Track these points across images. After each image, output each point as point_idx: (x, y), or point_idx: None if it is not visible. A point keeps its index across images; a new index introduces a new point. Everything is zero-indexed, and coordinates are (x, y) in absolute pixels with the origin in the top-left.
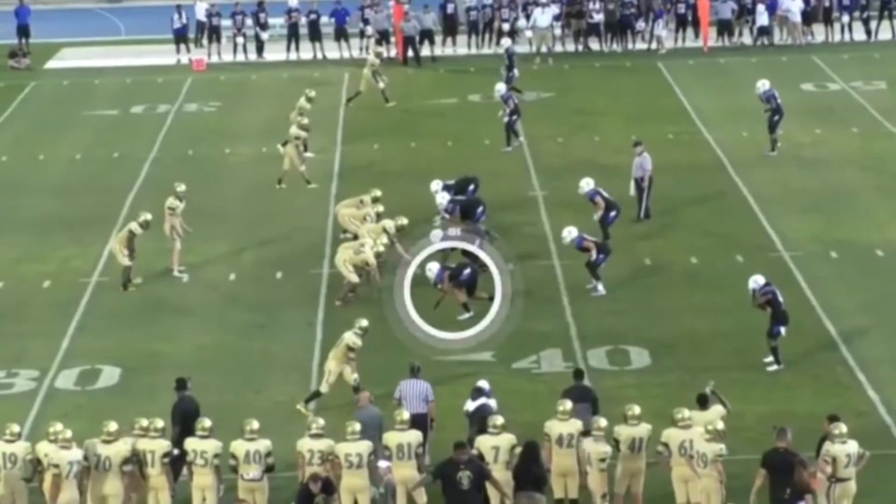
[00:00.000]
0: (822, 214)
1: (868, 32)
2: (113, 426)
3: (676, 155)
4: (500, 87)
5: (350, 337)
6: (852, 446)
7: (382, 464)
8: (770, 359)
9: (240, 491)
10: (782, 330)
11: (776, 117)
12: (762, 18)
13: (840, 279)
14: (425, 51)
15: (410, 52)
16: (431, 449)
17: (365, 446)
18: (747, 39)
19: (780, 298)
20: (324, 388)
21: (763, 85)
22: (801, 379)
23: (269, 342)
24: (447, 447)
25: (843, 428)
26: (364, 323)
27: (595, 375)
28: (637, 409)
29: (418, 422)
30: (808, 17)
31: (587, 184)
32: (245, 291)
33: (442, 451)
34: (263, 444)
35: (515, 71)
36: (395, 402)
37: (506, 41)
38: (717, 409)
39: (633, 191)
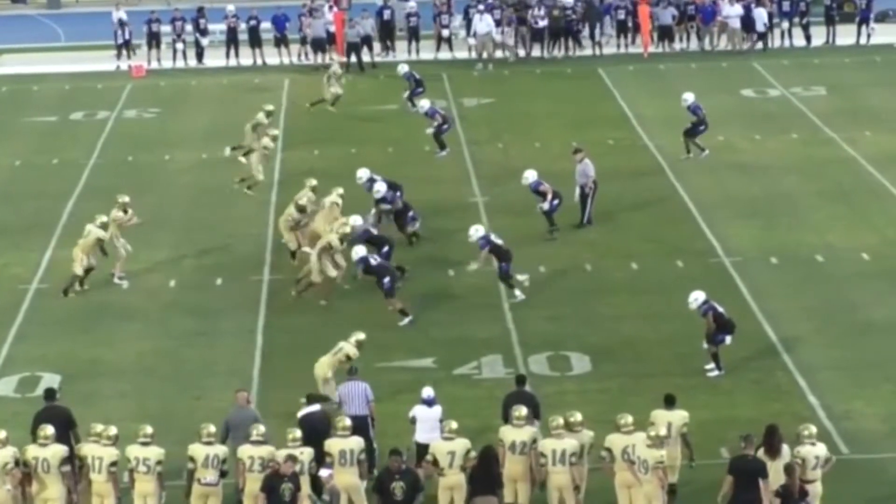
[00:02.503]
0: (763, 220)
1: (807, 38)
2: (50, 430)
3: (617, 161)
4: (424, 104)
5: (349, 348)
6: (820, 449)
7: (324, 471)
8: (711, 365)
9: (193, 496)
10: (727, 339)
11: (701, 128)
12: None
13: (780, 285)
14: (365, 57)
15: (353, 59)
16: (378, 448)
17: (307, 453)
18: (694, 45)
19: (721, 309)
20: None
21: (688, 98)
22: (741, 384)
23: (210, 349)
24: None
25: (813, 430)
26: (361, 336)
27: (536, 381)
28: (579, 416)
29: (360, 423)
30: (748, 25)
31: (531, 175)
32: (185, 298)
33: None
34: (221, 449)
35: (420, 89)
36: (335, 406)
37: (402, 67)
38: (681, 414)
39: (577, 197)
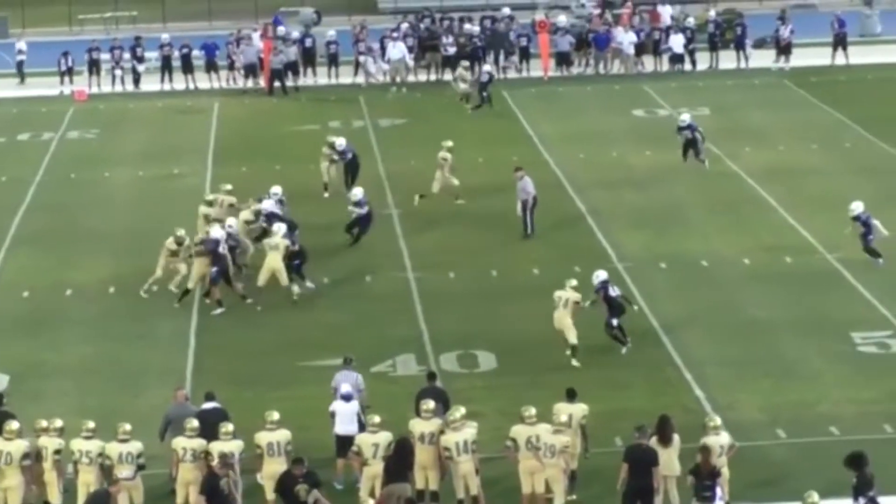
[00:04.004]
0: (653, 229)
1: (693, 63)
2: (14, 425)
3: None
4: (341, 142)
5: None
6: (725, 438)
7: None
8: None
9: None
10: (614, 322)
11: (701, 142)
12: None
13: (669, 288)
14: (289, 82)
15: (277, 84)
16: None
17: (236, 445)
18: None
19: (614, 293)
20: None
21: (686, 119)
22: (634, 379)
23: (147, 350)
24: (314, 445)
25: (718, 421)
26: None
27: (447, 377)
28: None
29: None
30: (639, 50)
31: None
32: (124, 304)
33: (309, 452)
34: (135, 446)
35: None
36: (332, 392)
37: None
38: (581, 406)
39: (519, 211)
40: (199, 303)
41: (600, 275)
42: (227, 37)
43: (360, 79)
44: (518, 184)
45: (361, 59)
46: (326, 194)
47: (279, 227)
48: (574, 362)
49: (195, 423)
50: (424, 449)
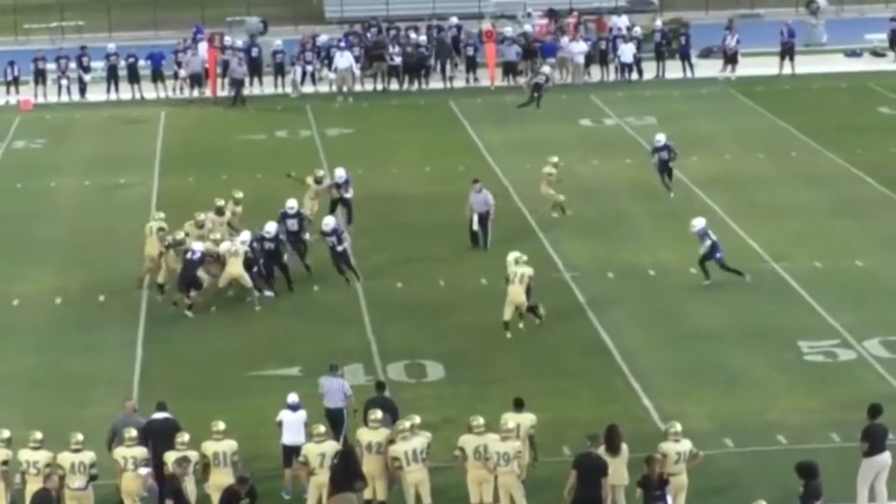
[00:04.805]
0: (600, 238)
1: (640, 72)
2: None
3: (467, 186)
4: (341, 174)
5: None
6: (684, 445)
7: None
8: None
9: (65, 501)
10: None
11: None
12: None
13: (616, 297)
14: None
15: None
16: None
17: (192, 455)
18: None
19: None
20: None
21: (661, 139)
22: (581, 388)
23: (94, 360)
24: (261, 455)
25: (678, 427)
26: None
27: (395, 387)
28: (417, 419)
29: (337, 415)
30: (587, 60)
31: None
32: (70, 313)
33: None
34: (88, 456)
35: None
36: (320, 395)
37: None
38: (530, 416)
39: (475, 225)
40: (146, 311)
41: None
42: (174, 45)
43: (307, 88)
44: (475, 196)
45: (309, 68)
46: (308, 235)
47: (244, 234)
48: (520, 325)
49: (133, 432)
50: (371, 459)
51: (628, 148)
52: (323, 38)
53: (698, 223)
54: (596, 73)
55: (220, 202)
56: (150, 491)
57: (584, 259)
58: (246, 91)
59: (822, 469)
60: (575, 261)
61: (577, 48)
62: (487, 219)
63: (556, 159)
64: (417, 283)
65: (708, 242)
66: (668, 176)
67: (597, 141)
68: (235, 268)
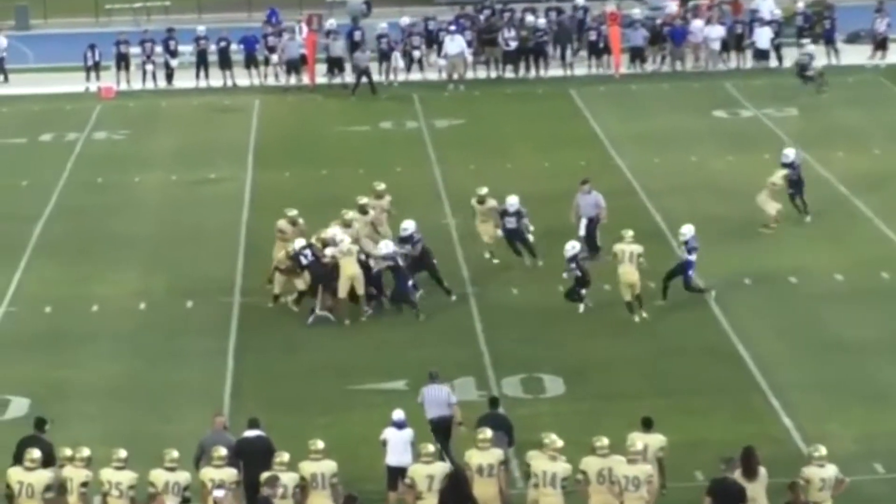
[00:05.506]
0: (735, 242)
1: (779, 59)
2: (36, 454)
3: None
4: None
5: None
6: (829, 470)
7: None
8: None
9: None
10: (583, 292)
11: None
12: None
13: (754, 306)
14: (336, 79)
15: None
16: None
17: (290, 478)
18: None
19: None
20: None
21: (790, 155)
22: (715, 406)
23: (180, 371)
24: (363, 476)
25: (823, 451)
26: None
27: (509, 403)
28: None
29: (441, 423)
30: (723, 45)
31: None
32: (155, 320)
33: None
34: (183, 476)
35: None
36: (420, 405)
37: None
38: (659, 437)
39: (582, 230)
40: (238, 318)
41: (576, 246)
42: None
43: (415, 75)
44: (583, 197)
45: (416, 53)
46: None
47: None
48: (643, 314)
49: (223, 451)
50: (483, 482)
51: (767, 142)
52: (432, 23)
53: (688, 231)
54: (731, 59)
55: (364, 199)
56: None
57: (718, 264)
58: (337, 79)
59: None
60: (707, 265)
61: (714, 33)
62: (597, 224)
63: (784, 172)
64: (534, 289)
65: (690, 257)
66: (799, 196)
67: (732, 134)
68: (352, 267)
